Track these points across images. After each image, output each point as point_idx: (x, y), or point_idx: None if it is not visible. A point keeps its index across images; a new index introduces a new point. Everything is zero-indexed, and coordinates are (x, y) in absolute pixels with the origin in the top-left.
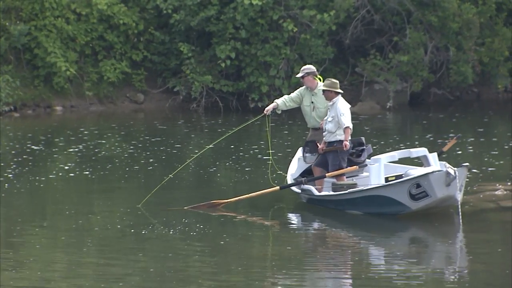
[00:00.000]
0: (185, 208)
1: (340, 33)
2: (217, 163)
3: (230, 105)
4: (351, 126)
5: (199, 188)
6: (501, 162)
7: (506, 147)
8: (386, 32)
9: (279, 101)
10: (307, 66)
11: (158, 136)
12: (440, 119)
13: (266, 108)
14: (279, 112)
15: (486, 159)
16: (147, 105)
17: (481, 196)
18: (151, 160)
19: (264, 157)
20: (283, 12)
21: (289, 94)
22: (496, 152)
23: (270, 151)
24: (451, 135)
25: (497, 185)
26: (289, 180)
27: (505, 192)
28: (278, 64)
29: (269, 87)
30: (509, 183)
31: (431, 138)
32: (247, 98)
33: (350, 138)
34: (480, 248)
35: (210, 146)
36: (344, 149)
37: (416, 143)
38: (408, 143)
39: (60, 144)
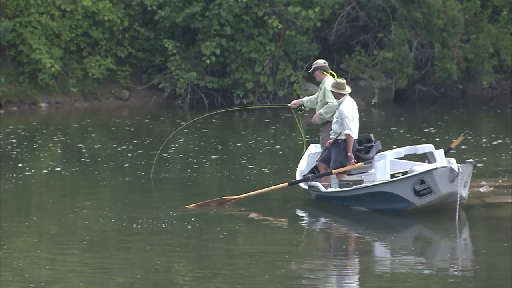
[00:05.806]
0: (195, 204)
1: (325, 29)
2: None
3: (215, 102)
4: (352, 133)
5: (199, 186)
6: (485, 158)
7: (491, 143)
8: (371, 29)
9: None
10: (317, 61)
11: (143, 133)
12: (425, 116)
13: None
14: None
15: (470, 156)
16: (132, 101)
17: None
18: (136, 156)
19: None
20: (268, 8)
21: (273, 90)
22: (481, 149)
23: (304, 142)
24: (432, 130)
25: (482, 181)
26: (298, 177)
27: (490, 189)
28: (263, 61)
29: (254, 83)
30: (499, 180)
31: (417, 136)
32: (232, 95)
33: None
34: (478, 245)
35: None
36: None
37: (410, 138)
38: (394, 139)
39: (45, 140)
